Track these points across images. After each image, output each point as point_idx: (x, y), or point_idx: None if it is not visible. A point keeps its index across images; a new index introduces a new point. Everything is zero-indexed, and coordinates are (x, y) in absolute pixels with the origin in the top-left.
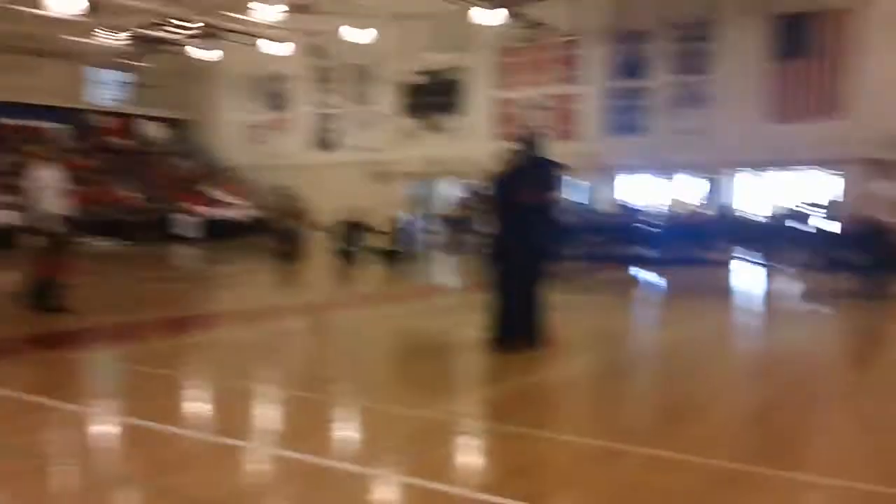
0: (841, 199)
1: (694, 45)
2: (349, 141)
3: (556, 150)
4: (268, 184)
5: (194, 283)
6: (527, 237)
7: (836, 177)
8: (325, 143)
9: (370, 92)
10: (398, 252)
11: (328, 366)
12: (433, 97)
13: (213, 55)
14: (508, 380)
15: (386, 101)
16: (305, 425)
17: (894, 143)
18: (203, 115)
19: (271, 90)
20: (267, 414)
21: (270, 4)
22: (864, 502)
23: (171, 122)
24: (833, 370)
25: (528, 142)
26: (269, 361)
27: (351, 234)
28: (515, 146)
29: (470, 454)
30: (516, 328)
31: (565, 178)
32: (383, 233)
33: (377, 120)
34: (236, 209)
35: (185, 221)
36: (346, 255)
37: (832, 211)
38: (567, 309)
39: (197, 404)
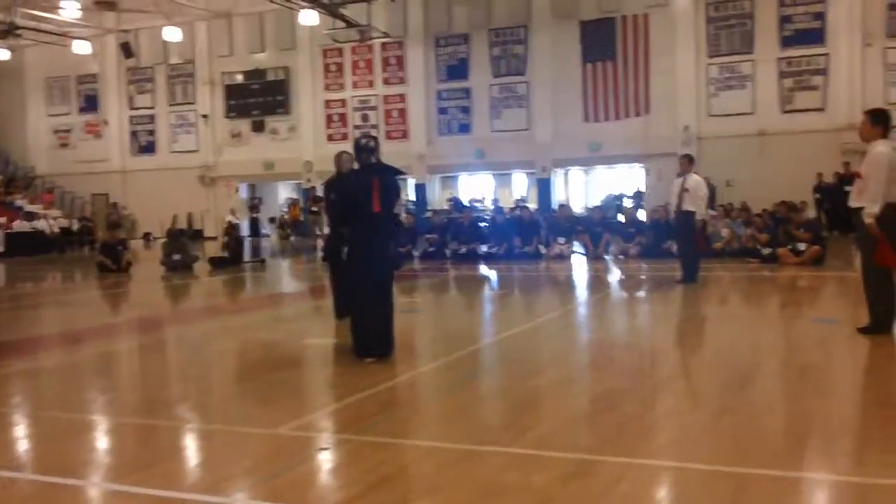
0: (649, 191)
1: (511, 47)
2: (171, 144)
3: (387, 151)
4: (83, 192)
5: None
6: (373, 242)
7: (644, 170)
8: (144, 147)
9: (191, 93)
10: (231, 259)
11: (166, 386)
12: (259, 98)
13: (10, 55)
14: (362, 389)
15: (209, 102)
16: (146, 455)
17: (689, 139)
18: (3, 119)
19: (82, 91)
20: (101, 446)
21: (73, 0)
22: (707, 481)
23: None
24: (667, 355)
25: (366, 148)
26: (99, 387)
27: (180, 243)
28: (353, 151)
29: (329, 469)
30: (369, 334)
31: (402, 180)
32: (214, 239)
33: (200, 122)
34: (46, 220)
35: None
36: (176, 265)
37: (644, 202)
38: (408, 311)
39: (20, 441)
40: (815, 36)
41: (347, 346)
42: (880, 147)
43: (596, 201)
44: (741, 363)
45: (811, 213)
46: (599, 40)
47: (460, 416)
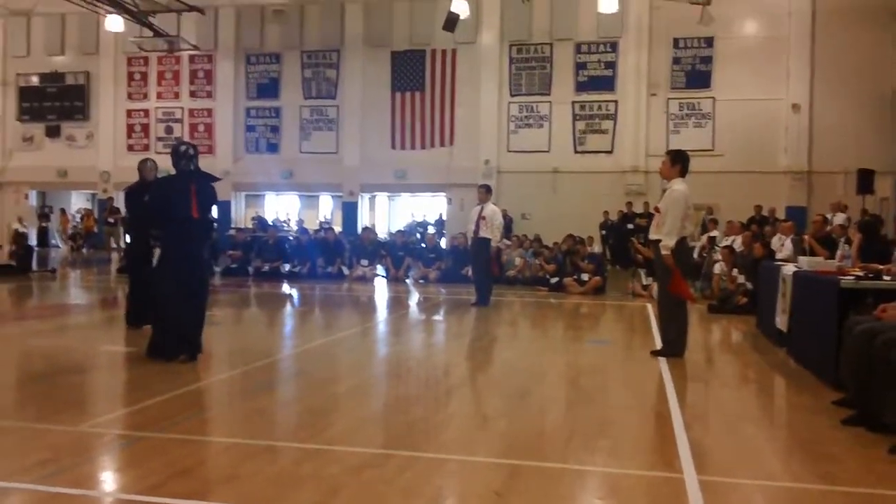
0: (450, 220)
1: (323, 71)
2: None
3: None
4: None
5: None
6: (188, 247)
7: (447, 199)
8: None
9: None
10: (19, 268)
11: None
12: (56, 102)
13: None
14: (161, 392)
15: (1, 103)
16: None
17: (490, 172)
18: None
19: None
20: None
21: None
22: (484, 471)
23: None
24: (456, 368)
25: (185, 154)
26: None
27: None
28: (172, 156)
29: (131, 462)
30: (179, 336)
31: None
32: (0, 247)
33: None
34: None
35: None
36: None
37: (445, 230)
38: (212, 323)
39: None
40: (606, 83)
41: (143, 351)
42: (678, 185)
43: (400, 226)
44: (522, 376)
45: (597, 247)
46: (409, 71)
47: (259, 417)
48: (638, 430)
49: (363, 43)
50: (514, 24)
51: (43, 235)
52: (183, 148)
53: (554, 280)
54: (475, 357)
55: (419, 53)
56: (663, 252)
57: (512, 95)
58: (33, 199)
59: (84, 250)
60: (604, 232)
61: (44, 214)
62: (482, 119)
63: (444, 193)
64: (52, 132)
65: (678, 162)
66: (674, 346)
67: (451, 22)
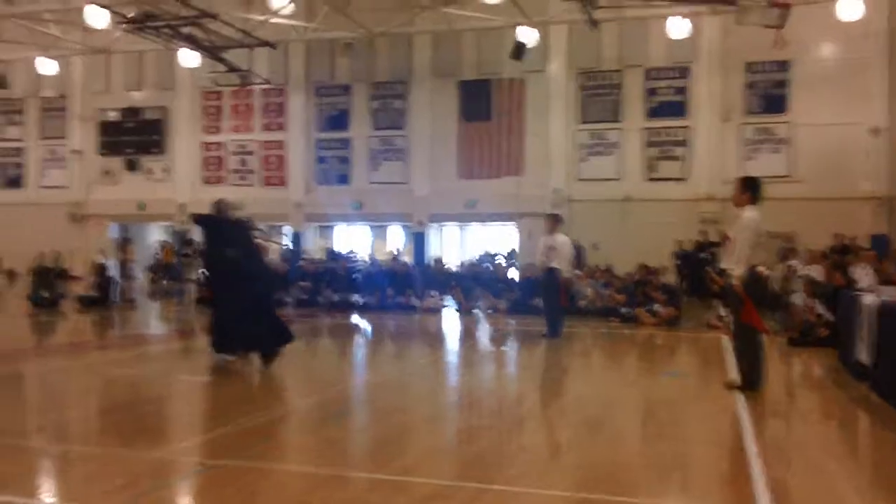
0: (521, 250)
1: (391, 101)
2: (40, 179)
3: (264, 198)
4: None
5: None
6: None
7: (517, 229)
8: (10, 181)
9: (64, 127)
10: (100, 299)
11: (36, 415)
12: (134, 136)
13: None
14: (236, 420)
15: (81, 137)
16: (24, 471)
17: (560, 201)
18: None
19: None
20: None
21: None
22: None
23: None
24: (526, 399)
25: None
26: None
27: (47, 280)
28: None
29: (205, 488)
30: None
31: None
32: (82, 278)
33: (71, 157)
34: None
35: None
36: (43, 302)
37: (516, 260)
38: (283, 354)
39: None
40: (678, 109)
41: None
42: (749, 213)
43: (470, 257)
44: (593, 408)
45: (671, 277)
46: (476, 100)
47: (329, 446)
48: (712, 465)
49: (431, 73)
50: (582, 51)
51: (123, 267)
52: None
53: (626, 311)
54: (545, 388)
55: (487, 83)
56: (733, 281)
57: (581, 123)
58: (114, 232)
59: (164, 282)
60: (677, 261)
61: (124, 247)
62: (551, 147)
63: (513, 223)
64: (131, 166)
65: (749, 189)
66: (750, 379)
67: (519, 51)
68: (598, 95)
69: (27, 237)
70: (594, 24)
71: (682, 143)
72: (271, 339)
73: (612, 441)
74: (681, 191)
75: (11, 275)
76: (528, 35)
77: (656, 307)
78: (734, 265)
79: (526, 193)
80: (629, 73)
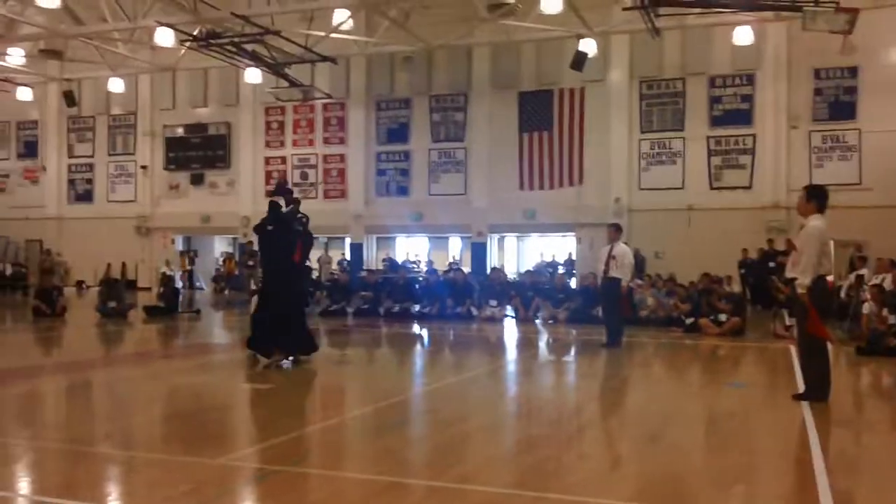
0: (580, 259)
1: (451, 114)
2: (109, 193)
3: (325, 210)
4: (17, 238)
5: None
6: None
7: (576, 239)
8: (81, 195)
9: (132, 143)
10: (166, 309)
11: (104, 422)
12: (199, 151)
13: None
14: (296, 427)
15: (149, 153)
16: (88, 478)
17: (620, 210)
18: None
19: (22, 137)
20: (41, 467)
21: (18, 47)
22: None
23: None
24: (585, 409)
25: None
26: (33, 419)
27: (115, 290)
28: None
29: (266, 494)
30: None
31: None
32: (148, 290)
33: (139, 173)
34: None
35: None
36: (111, 313)
37: (575, 269)
38: (343, 361)
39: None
40: (743, 117)
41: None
42: (814, 221)
43: (529, 267)
44: (654, 419)
45: (736, 286)
46: (536, 111)
47: (387, 453)
48: (777, 477)
49: (490, 85)
50: (643, 60)
51: (188, 278)
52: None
53: (689, 321)
54: (605, 398)
55: (547, 93)
56: (799, 291)
57: (643, 132)
58: (179, 244)
59: (226, 292)
60: (743, 270)
61: (189, 258)
62: (612, 157)
63: (573, 233)
64: (196, 180)
65: (814, 198)
66: (816, 390)
67: (580, 60)
68: (660, 104)
69: (96, 250)
70: (656, 32)
71: (748, 152)
72: (302, 346)
73: (673, 452)
74: (746, 199)
75: (81, 286)
76: (588, 45)
77: (721, 317)
78: (800, 274)
79: (586, 203)
80: (692, 81)
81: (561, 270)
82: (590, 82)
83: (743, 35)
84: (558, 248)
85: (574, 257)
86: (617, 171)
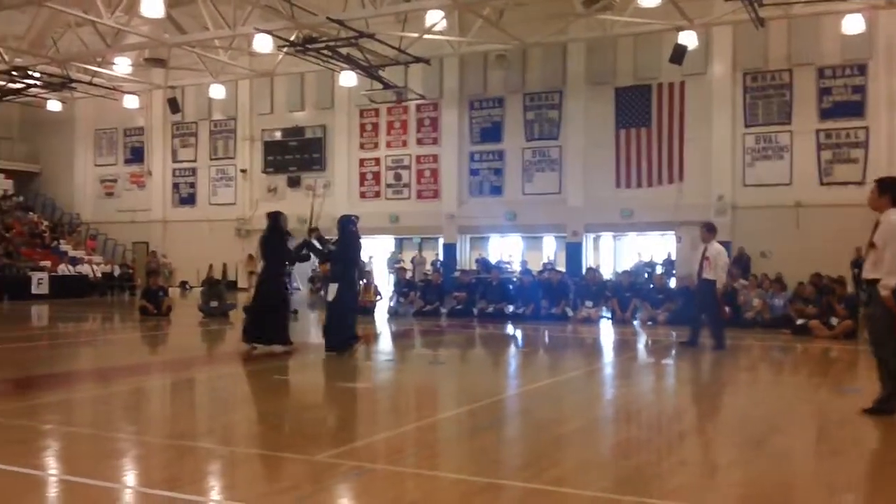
0: (680, 259)
1: (545, 112)
2: (211, 197)
3: (418, 211)
4: (124, 240)
5: (51, 341)
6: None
7: (676, 238)
8: (184, 199)
9: (232, 148)
10: None
11: (206, 418)
12: (296, 154)
13: (62, 106)
14: (392, 426)
15: (248, 157)
16: (191, 472)
17: (723, 208)
18: (52, 167)
19: (128, 143)
20: (155, 462)
21: (125, 56)
22: None
23: (18, 175)
24: (686, 413)
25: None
26: (151, 415)
27: (217, 290)
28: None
29: (363, 492)
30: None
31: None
32: (248, 290)
33: (239, 176)
34: (88, 265)
35: (34, 278)
36: (213, 312)
37: (675, 269)
38: (437, 362)
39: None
40: (854, 109)
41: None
42: (893, 216)
43: (625, 267)
44: (759, 424)
45: (848, 288)
46: (634, 107)
47: (482, 454)
48: (891, 487)
49: (585, 81)
50: (747, 51)
51: (286, 278)
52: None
53: (800, 322)
54: (707, 402)
55: (644, 88)
56: (883, 293)
57: (747, 126)
58: None
59: (322, 292)
60: (856, 270)
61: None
62: (714, 153)
63: (672, 232)
64: (293, 182)
65: (887, 190)
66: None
67: (679, 54)
68: (765, 97)
69: (198, 251)
70: (760, 22)
71: (860, 145)
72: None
73: (780, 459)
74: (858, 195)
75: (185, 286)
76: (688, 37)
77: (833, 320)
78: (884, 275)
79: (686, 201)
80: (799, 73)
81: (659, 270)
82: (690, 76)
83: (853, 23)
84: (656, 247)
85: (673, 257)
86: (719, 167)
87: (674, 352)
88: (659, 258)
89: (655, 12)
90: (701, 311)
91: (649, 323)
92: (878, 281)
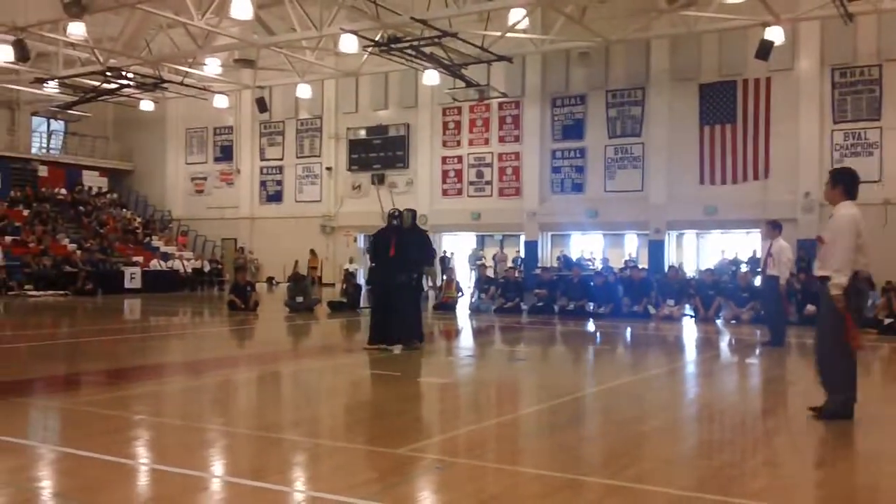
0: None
1: (628, 109)
2: (297, 194)
3: (499, 208)
4: (213, 236)
5: (143, 334)
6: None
7: (759, 235)
8: (271, 196)
9: (318, 146)
10: (349, 304)
11: (292, 411)
12: (380, 152)
13: (154, 106)
14: (474, 421)
15: (333, 155)
16: (281, 462)
17: (811, 205)
18: (145, 165)
19: (218, 142)
20: (246, 453)
21: (215, 57)
22: None
23: (112, 173)
24: (770, 413)
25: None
26: (241, 407)
27: (303, 286)
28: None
29: (444, 485)
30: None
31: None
32: (332, 285)
33: (324, 174)
34: (179, 260)
35: (127, 272)
36: (299, 307)
37: (758, 267)
38: (517, 359)
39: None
40: None
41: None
42: (844, 209)
43: (708, 265)
44: (844, 424)
45: None
46: (719, 103)
47: (563, 451)
48: None
49: (669, 78)
50: (835, 46)
51: None
52: (392, 212)
53: (889, 321)
54: (792, 403)
55: (730, 84)
56: (833, 292)
57: (835, 123)
58: (361, 242)
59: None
60: None
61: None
62: (801, 149)
63: (758, 229)
64: (377, 180)
65: (839, 182)
66: (841, 409)
67: (766, 49)
68: (854, 92)
69: (285, 247)
70: (849, 17)
71: None
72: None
73: (867, 460)
74: None
75: (271, 282)
76: (775, 33)
77: None
78: (834, 273)
79: (772, 198)
80: (890, 68)
81: (744, 268)
82: (776, 71)
83: None
84: (741, 245)
85: (759, 255)
86: (807, 163)
87: (758, 351)
88: (744, 256)
89: (741, 8)
90: (769, 309)
91: (733, 321)
92: (828, 279)
